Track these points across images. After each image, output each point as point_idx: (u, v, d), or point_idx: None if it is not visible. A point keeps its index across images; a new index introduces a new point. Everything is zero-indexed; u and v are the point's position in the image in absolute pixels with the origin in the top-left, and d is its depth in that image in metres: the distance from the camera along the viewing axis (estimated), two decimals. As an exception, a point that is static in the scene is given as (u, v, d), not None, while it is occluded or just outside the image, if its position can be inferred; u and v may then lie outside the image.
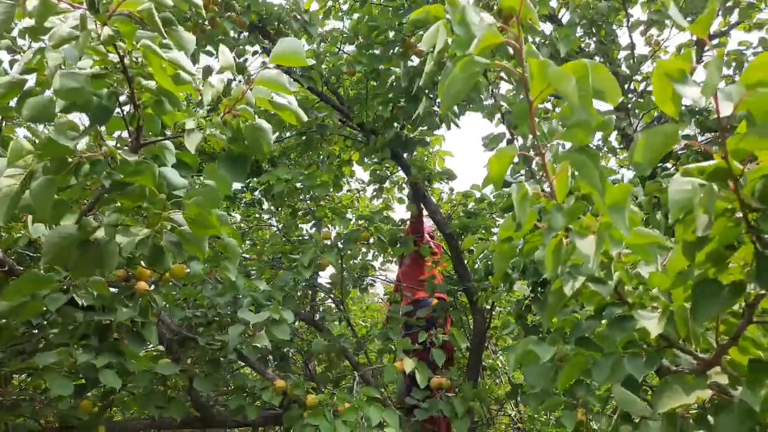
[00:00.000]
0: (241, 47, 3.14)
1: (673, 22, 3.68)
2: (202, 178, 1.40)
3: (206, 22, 2.77)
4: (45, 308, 1.47)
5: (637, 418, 0.86)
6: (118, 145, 1.37)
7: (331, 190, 3.98)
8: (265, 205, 4.17)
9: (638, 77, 3.68)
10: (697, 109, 2.84)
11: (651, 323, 0.77)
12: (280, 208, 4.00)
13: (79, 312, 1.70)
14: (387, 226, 3.26)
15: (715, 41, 3.61)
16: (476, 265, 3.04)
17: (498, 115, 3.06)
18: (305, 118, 1.34)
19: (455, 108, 2.85)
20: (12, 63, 2.01)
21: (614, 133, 3.48)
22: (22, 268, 1.56)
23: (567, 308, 1.17)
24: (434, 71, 1.02)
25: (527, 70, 0.84)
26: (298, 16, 3.11)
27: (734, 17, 3.53)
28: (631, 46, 3.54)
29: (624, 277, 0.85)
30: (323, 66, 3.32)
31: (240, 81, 2.93)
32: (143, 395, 2.21)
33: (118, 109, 1.29)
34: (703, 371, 0.85)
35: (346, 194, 4.74)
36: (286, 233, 3.82)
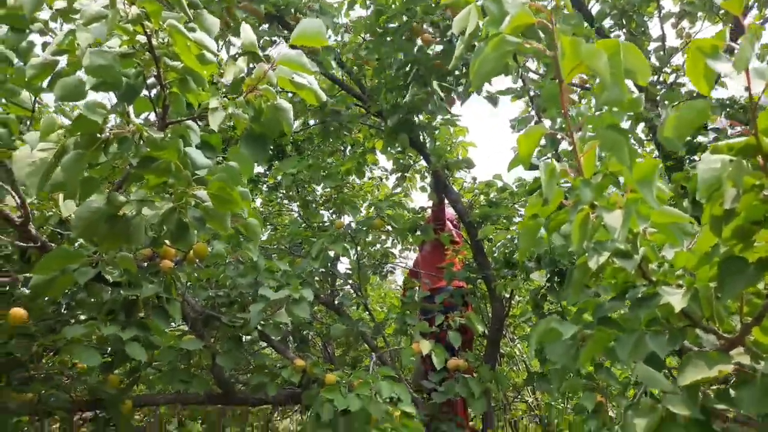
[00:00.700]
0: (264, 39, 3.16)
1: (704, 16, 3.58)
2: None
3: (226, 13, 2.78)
4: (75, 282, 1.52)
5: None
6: (145, 125, 1.40)
7: (353, 177, 3.99)
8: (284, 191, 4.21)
9: (667, 69, 3.58)
10: (727, 102, 2.76)
11: (675, 298, 0.76)
12: (293, 199, 4.03)
13: (106, 289, 1.76)
14: (401, 213, 3.25)
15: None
16: (495, 254, 3.03)
17: (526, 98, 3.03)
18: (324, 98, 1.35)
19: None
20: (44, 46, 2.05)
21: (641, 125, 3.41)
22: (54, 245, 1.61)
23: (589, 290, 1.16)
24: (461, 54, 1.02)
25: (559, 48, 0.83)
26: (314, 6, 3.12)
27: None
28: (662, 38, 3.45)
29: (650, 254, 0.84)
30: (347, 56, 3.32)
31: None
32: (168, 371, 2.27)
33: (145, 91, 1.32)
34: (726, 351, 0.84)
35: (368, 182, 4.75)
36: (307, 219, 3.85)
